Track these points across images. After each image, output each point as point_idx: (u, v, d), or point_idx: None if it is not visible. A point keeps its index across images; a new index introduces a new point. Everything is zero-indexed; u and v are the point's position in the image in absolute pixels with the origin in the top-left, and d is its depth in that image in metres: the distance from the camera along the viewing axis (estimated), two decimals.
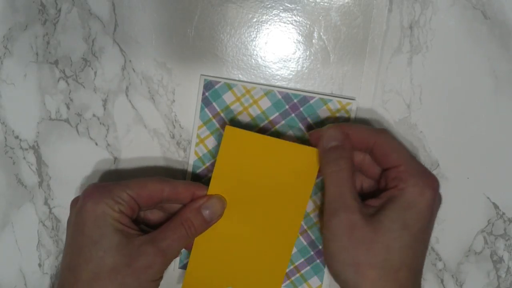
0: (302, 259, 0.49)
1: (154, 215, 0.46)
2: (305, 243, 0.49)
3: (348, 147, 0.41)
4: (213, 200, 0.43)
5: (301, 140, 0.48)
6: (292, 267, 0.49)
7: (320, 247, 0.48)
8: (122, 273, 0.39)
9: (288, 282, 0.49)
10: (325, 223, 0.40)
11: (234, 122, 0.48)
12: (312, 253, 0.49)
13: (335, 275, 0.40)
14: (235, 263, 0.45)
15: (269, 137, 0.43)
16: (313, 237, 0.48)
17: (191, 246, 0.45)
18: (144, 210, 0.44)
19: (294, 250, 0.49)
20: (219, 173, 0.44)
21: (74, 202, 0.43)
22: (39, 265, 0.51)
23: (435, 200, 0.39)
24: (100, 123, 0.49)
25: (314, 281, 0.49)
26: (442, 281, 0.49)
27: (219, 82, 0.48)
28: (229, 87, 0.48)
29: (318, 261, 0.49)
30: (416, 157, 0.47)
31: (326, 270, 0.49)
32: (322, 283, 0.49)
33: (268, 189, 0.44)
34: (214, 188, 0.44)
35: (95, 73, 0.49)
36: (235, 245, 0.45)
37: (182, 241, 0.42)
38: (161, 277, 0.42)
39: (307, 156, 0.43)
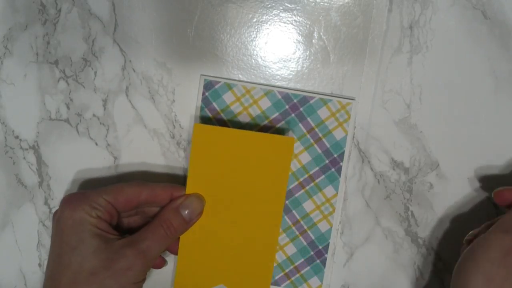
0: (302, 259, 0.49)
1: (137, 223, 0.46)
2: (305, 243, 0.49)
3: None
4: (191, 199, 0.44)
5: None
6: (292, 267, 0.49)
7: (320, 247, 0.48)
8: (101, 277, 0.39)
9: (288, 282, 0.49)
10: (492, 234, 0.41)
11: (234, 122, 0.48)
12: (312, 253, 0.49)
13: (463, 279, 0.41)
14: (223, 259, 0.46)
15: (239, 130, 0.44)
16: (313, 237, 0.48)
17: (176, 248, 0.45)
18: (124, 215, 0.45)
19: (294, 250, 0.49)
20: (195, 172, 0.44)
21: (55, 214, 0.43)
22: (39, 265, 0.51)
23: None
24: (100, 123, 0.49)
25: (314, 281, 0.49)
26: (442, 281, 0.49)
27: (219, 82, 0.48)
28: (229, 87, 0.48)
29: (318, 261, 0.49)
30: (417, 154, 0.47)
31: (326, 270, 0.49)
32: (322, 283, 0.49)
33: (246, 182, 0.44)
34: (191, 187, 0.44)
35: (95, 73, 0.49)
36: (221, 240, 0.45)
37: (162, 242, 0.42)
38: (143, 279, 0.42)
39: (280, 145, 0.43)
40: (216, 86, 0.48)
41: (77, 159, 0.49)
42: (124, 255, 0.40)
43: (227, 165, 0.44)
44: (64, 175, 0.50)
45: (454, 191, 0.48)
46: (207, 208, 0.44)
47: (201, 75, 0.48)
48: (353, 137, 0.48)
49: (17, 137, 0.49)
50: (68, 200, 0.42)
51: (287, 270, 0.49)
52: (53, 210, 0.50)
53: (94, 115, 0.49)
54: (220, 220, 0.45)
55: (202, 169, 0.44)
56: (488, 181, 0.48)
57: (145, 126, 0.49)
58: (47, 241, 0.50)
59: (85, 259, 0.40)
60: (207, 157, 0.44)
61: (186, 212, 0.43)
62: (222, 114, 0.48)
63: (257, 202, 0.45)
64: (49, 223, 0.50)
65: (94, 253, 0.40)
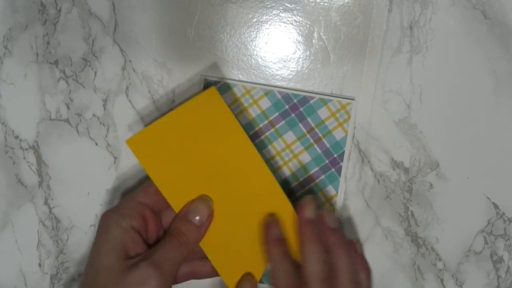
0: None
1: None
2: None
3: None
4: (195, 204, 0.42)
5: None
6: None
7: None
8: None
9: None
10: None
11: None
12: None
13: None
14: (245, 233, 0.43)
15: (165, 116, 0.41)
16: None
17: (200, 271, 0.44)
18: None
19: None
20: (160, 180, 0.41)
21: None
22: (39, 265, 0.51)
23: None
24: (100, 123, 0.49)
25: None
26: (442, 281, 0.49)
27: (219, 82, 0.48)
28: (229, 87, 0.48)
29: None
30: (417, 155, 0.47)
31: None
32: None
33: (211, 156, 0.42)
34: (170, 198, 0.42)
35: (95, 73, 0.49)
36: (234, 220, 0.43)
37: (177, 251, 0.40)
38: None
39: (209, 100, 0.42)
40: (216, 86, 0.48)
41: (77, 159, 0.49)
42: (138, 267, 0.38)
43: (183, 154, 0.42)
44: (64, 175, 0.50)
45: (454, 191, 0.48)
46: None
47: (201, 75, 0.48)
48: (353, 137, 0.48)
49: (17, 137, 0.49)
50: (104, 217, 0.41)
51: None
52: (53, 210, 0.50)
53: (94, 115, 0.49)
54: (221, 207, 0.42)
55: (165, 174, 0.41)
56: (488, 181, 0.48)
57: (145, 126, 0.49)
58: (47, 241, 0.50)
59: (98, 274, 0.38)
60: (160, 160, 0.41)
61: (196, 218, 0.41)
62: None
63: (234, 166, 0.42)
64: (49, 223, 0.50)
65: (108, 268, 0.38)
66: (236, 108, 0.48)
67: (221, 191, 0.43)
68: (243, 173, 0.43)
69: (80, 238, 0.50)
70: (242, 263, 0.43)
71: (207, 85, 0.48)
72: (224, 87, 0.48)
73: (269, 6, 0.48)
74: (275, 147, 0.48)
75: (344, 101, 0.48)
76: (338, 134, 0.48)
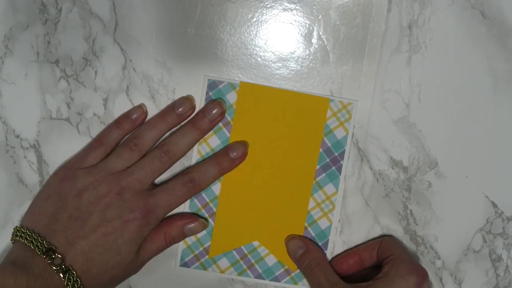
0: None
1: None
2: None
3: (312, 248, 0.47)
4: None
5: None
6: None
7: (320, 243, 0.48)
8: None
9: (288, 278, 0.49)
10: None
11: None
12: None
13: None
14: (258, 216, 0.48)
15: (280, 89, 0.48)
16: (313, 234, 0.49)
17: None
18: None
19: None
20: (237, 127, 0.48)
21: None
22: None
23: (420, 286, 0.42)
24: (101, 122, 0.49)
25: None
26: (441, 279, 0.49)
27: (223, 82, 0.48)
28: (232, 87, 0.48)
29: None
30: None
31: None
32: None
33: (283, 139, 0.48)
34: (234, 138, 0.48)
35: (96, 72, 0.49)
36: (257, 198, 0.48)
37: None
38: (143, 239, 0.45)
39: (317, 105, 0.48)
40: (220, 86, 0.48)
41: None
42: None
43: (266, 121, 0.47)
44: None
45: (452, 189, 0.49)
46: (245, 162, 0.47)
47: (205, 75, 0.48)
48: (352, 136, 0.48)
49: (17, 136, 0.49)
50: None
51: (287, 267, 0.49)
52: None
53: (94, 114, 0.49)
54: (256, 177, 0.48)
55: (244, 124, 0.48)
56: (487, 180, 0.48)
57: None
58: None
59: None
60: (249, 113, 0.48)
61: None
62: (225, 114, 0.48)
63: (292, 159, 0.48)
64: None
65: None
66: None
67: (266, 167, 0.48)
68: (290, 176, 0.48)
69: None
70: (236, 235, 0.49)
71: (210, 85, 0.48)
72: (227, 87, 0.48)
73: (268, 5, 0.48)
74: None
75: (345, 101, 0.48)
76: (339, 133, 0.48)
